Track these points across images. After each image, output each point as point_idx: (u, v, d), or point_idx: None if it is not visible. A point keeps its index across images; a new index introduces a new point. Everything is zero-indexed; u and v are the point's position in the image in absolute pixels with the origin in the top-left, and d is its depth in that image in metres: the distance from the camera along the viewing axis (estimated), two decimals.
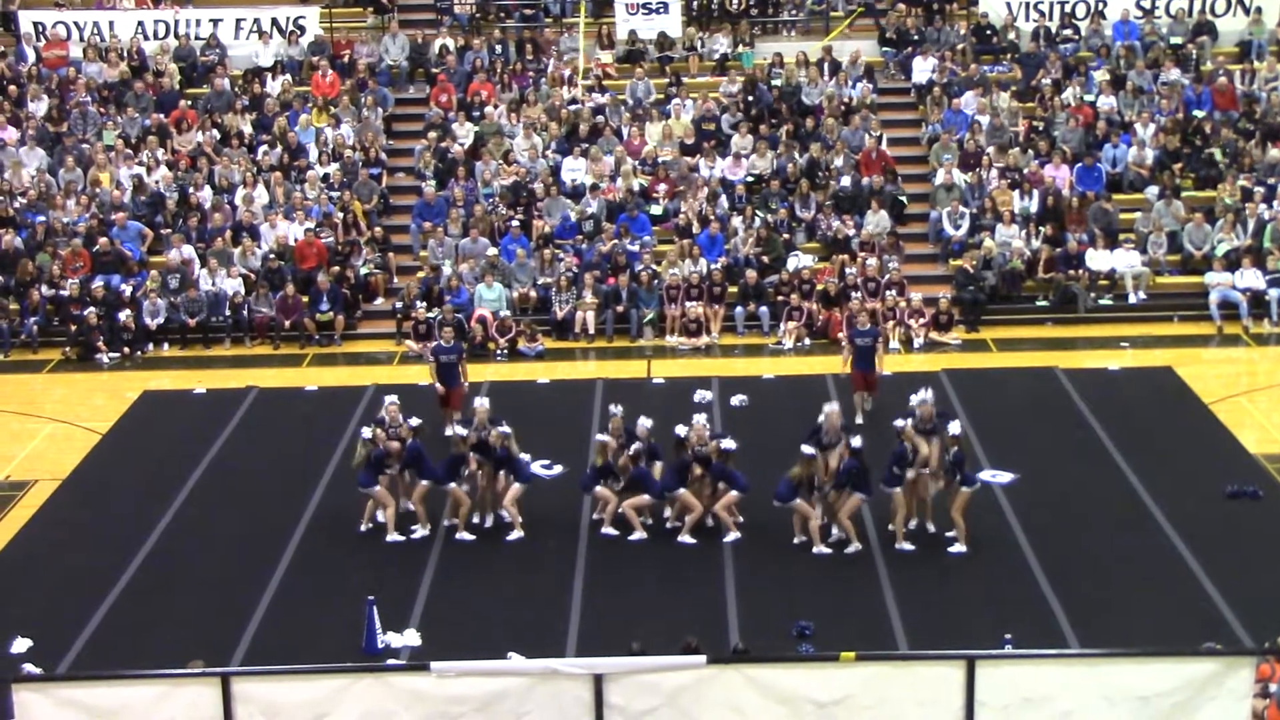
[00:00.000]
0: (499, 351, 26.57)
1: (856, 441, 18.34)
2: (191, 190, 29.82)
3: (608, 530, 18.87)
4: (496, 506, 19.20)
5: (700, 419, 18.97)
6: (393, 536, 18.92)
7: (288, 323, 27.47)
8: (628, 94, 32.31)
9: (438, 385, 21.81)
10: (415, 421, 19.16)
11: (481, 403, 19.19)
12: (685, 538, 18.66)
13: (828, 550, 18.28)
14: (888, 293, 27.00)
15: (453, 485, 18.83)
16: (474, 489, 19.09)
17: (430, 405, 21.37)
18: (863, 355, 22.16)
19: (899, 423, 18.66)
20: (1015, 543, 18.57)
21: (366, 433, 19.09)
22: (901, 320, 26.70)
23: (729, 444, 18.60)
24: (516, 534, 18.87)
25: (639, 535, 18.74)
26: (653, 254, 28.32)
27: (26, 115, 31.69)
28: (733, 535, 18.63)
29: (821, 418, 18.74)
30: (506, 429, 19.00)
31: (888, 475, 18.24)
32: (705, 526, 18.89)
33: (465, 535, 18.89)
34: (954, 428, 18.21)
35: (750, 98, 31.60)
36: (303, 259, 28.42)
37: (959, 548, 18.21)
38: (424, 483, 18.92)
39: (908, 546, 18.25)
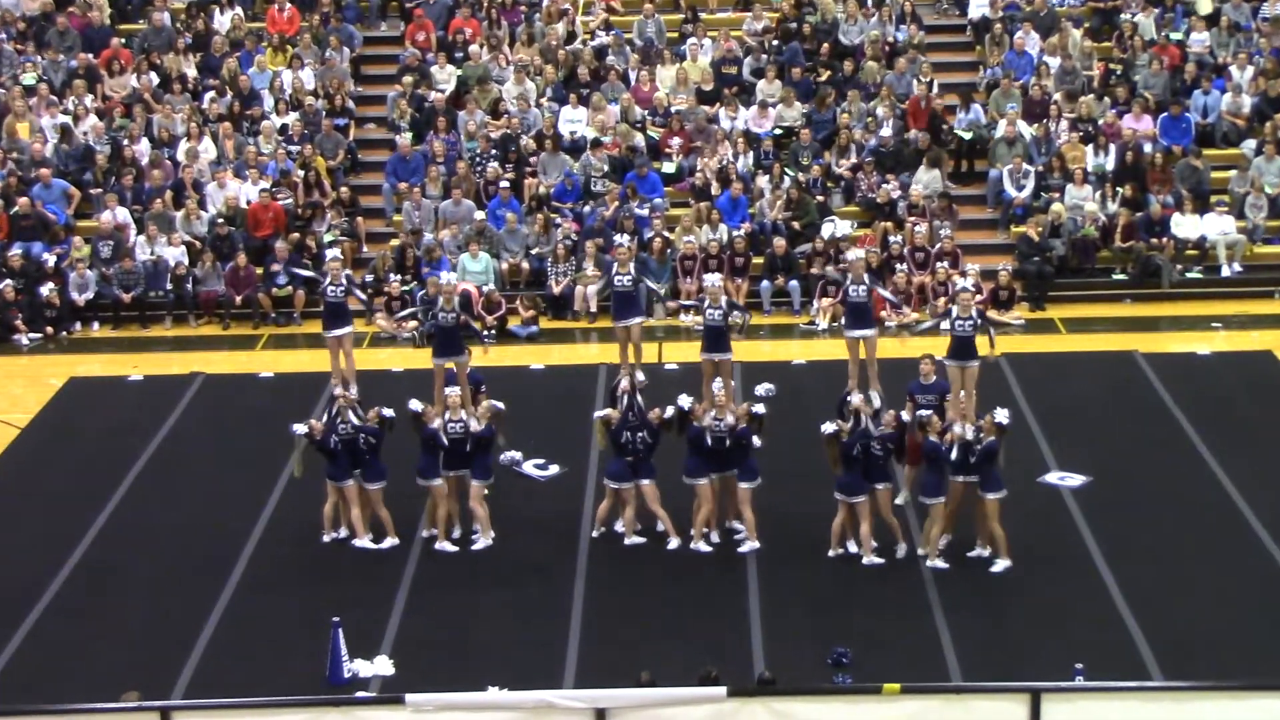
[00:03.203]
0: (486, 332, 26.54)
1: (759, 407, 18.52)
2: (126, 143, 29.78)
3: (633, 540, 18.90)
4: (468, 518, 19.15)
5: (717, 386, 18.84)
6: (362, 542, 18.94)
7: (239, 298, 27.47)
8: (636, 32, 32.23)
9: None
10: (388, 411, 19.04)
11: (453, 390, 19.09)
12: (699, 544, 18.66)
13: (879, 560, 18.29)
14: (938, 265, 26.94)
15: (438, 481, 18.78)
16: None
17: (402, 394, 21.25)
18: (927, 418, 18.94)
19: (925, 412, 18.58)
20: (1087, 556, 18.55)
21: (300, 429, 19.01)
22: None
23: (760, 407, 18.57)
24: (484, 541, 18.87)
25: (676, 542, 18.80)
26: (665, 219, 28.29)
27: None
28: (750, 545, 18.60)
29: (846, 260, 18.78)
30: (499, 404, 18.98)
31: (927, 482, 18.21)
32: (722, 532, 18.91)
33: (447, 546, 18.89)
34: (1000, 415, 18.09)
35: (776, 41, 31.54)
36: (257, 224, 28.40)
37: (1002, 564, 18.15)
38: (374, 486, 18.93)
39: (941, 564, 18.20)
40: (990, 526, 18.12)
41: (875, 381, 19.15)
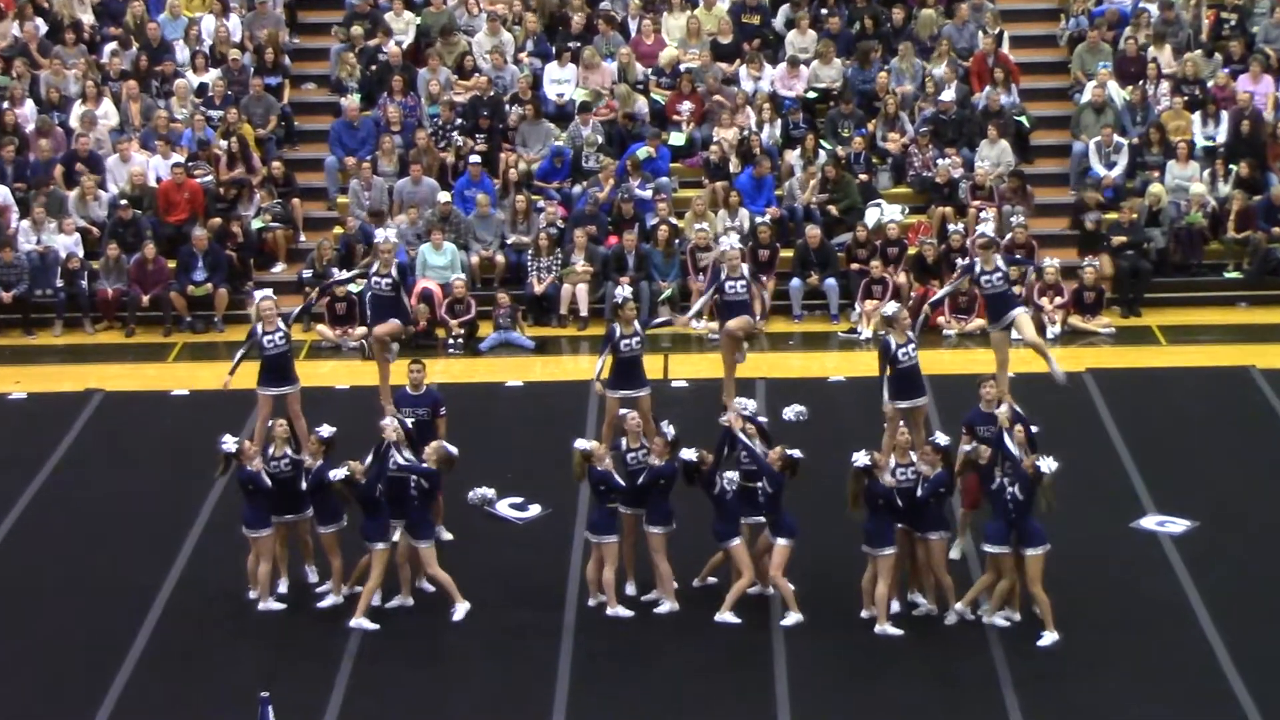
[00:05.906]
0: (451, 340, 26.57)
1: (795, 451, 18.58)
2: (7, 106, 29.86)
3: (615, 610, 18.94)
4: (416, 577, 19.16)
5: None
6: (267, 605, 18.92)
7: (146, 298, 27.52)
8: None
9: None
10: (326, 431, 19.03)
11: (389, 422, 19.06)
12: (727, 615, 18.68)
13: (896, 631, 18.34)
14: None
15: (380, 545, 18.69)
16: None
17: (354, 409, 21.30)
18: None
19: (967, 447, 18.55)
20: (1190, 615, 18.59)
21: (229, 444, 18.96)
22: (1030, 299, 26.68)
23: (796, 451, 18.66)
24: (462, 608, 18.87)
25: (669, 606, 18.90)
26: (672, 202, 28.34)
27: None
28: (794, 618, 18.60)
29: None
30: (451, 449, 18.98)
31: (992, 528, 18.22)
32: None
33: (364, 623, 18.65)
34: (1046, 464, 17.90)
35: None
36: (169, 207, 28.46)
37: (1049, 637, 18.13)
38: (326, 530, 18.95)
39: (1000, 620, 18.25)
40: (1032, 590, 18.08)
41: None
